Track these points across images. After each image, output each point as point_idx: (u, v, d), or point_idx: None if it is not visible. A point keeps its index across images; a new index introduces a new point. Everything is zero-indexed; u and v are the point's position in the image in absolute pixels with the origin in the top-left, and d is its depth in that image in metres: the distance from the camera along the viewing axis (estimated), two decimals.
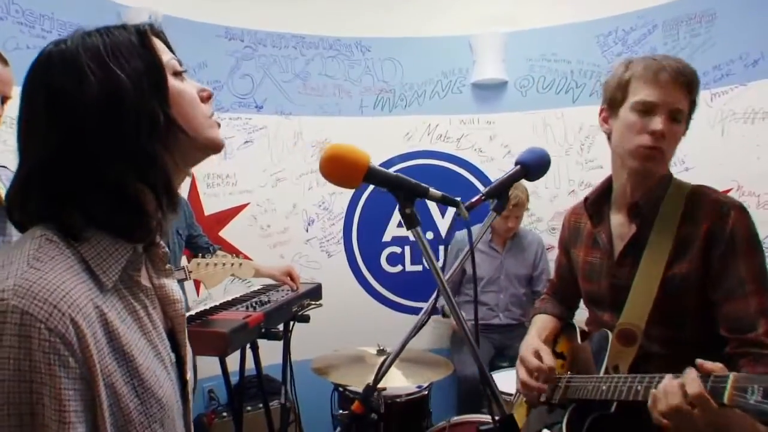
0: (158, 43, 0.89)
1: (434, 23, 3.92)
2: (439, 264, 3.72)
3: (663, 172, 1.52)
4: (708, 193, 1.47)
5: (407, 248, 4.00)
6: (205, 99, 0.92)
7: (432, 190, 1.13)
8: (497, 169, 3.95)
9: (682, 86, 1.42)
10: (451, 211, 3.90)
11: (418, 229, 1.12)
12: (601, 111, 1.58)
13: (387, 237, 3.98)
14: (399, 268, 4.00)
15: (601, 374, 1.49)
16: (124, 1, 3.24)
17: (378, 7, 3.88)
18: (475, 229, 3.18)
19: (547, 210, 3.88)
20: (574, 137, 3.79)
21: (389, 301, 3.98)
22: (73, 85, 0.79)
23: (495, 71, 3.87)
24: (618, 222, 1.60)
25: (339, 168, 1.09)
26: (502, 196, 1.41)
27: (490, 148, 3.98)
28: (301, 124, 3.83)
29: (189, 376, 0.99)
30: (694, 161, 3.36)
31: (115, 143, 0.80)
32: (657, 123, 1.41)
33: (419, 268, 4.00)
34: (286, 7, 3.77)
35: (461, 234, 3.66)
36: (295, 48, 3.83)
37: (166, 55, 0.88)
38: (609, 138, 1.57)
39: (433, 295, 1.37)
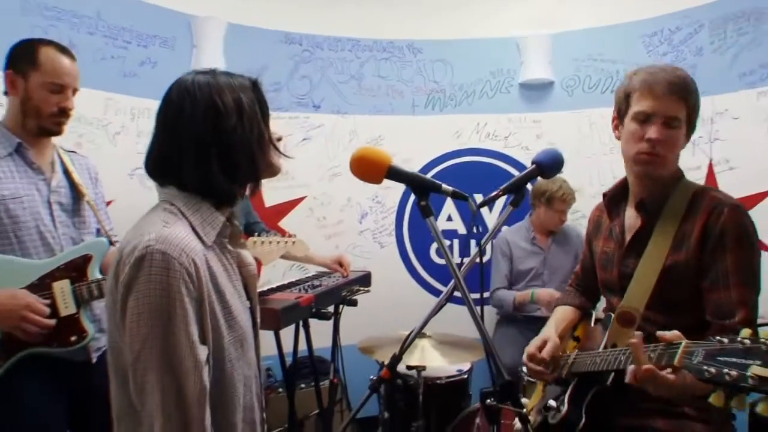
0: None
1: (483, 26, 4.08)
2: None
3: (666, 174, 1.66)
4: (709, 193, 1.61)
5: (456, 241, 4.19)
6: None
7: (444, 186, 1.33)
8: None
9: (675, 95, 1.58)
10: (497, 207, 4.08)
11: (431, 218, 1.32)
12: (613, 119, 1.76)
13: None
14: None
15: (599, 350, 1.66)
16: (193, 11, 3.55)
17: (429, 10, 4.08)
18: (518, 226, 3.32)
19: (591, 206, 3.90)
20: None
21: (437, 291, 4.18)
22: (211, 93, 1.20)
23: (542, 72, 4.00)
24: (630, 216, 1.77)
25: (364, 167, 1.31)
26: (519, 191, 1.59)
27: (536, 146, 4.10)
28: (356, 123, 4.07)
29: (257, 316, 1.39)
30: (739, 161, 3.42)
31: (237, 138, 1.21)
32: (653, 131, 1.58)
33: (467, 260, 4.16)
34: (341, 12, 4.01)
35: (505, 232, 3.83)
36: (350, 51, 4.07)
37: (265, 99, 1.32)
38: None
39: (452, 282, 1.57)
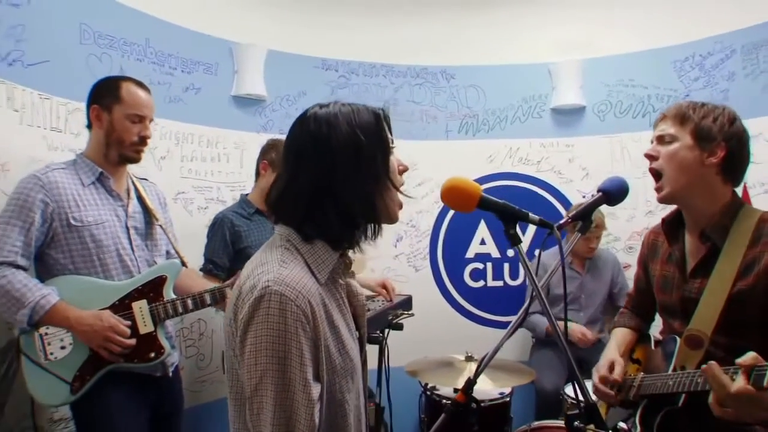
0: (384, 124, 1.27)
1: (515, 52, 4.14)
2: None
3: (673, 188, 1.75)
4: None
5: (489, 264, 4.21)
6: (401, 172, 1.30)
7: (531, 214, 1.37)
8: (575, 191, 4.13)
9: (667, 119, 1.77)
10: (530, 233, 4.12)
11: (520, 246, 1.36)
12: None
13: (470, 254, 4.21)
14: (481, 283, 4.22)
15: (669, 372, 1.69)
16: (235, 39, 3.63)
17: (462, 37, 4.16)
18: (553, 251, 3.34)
19: (624, 230, 4.02)
20: None
21: (471, 314, 4.21)
22: (329, 134, 1.18)
23: (573, 97, 4.06)
24: (691, 241, 1.81)
25: (456, 196, 1.35)
26: (586, 219, 1.65)
27: (568, 170, 4.17)
28: None
29: (365, 346, 1.40)
30: None
31: (352, 182, 1.18)
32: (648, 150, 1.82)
33: (500, 283, 4.21)
34: (376, 39, 4.09)
35: (542, 257, 3.87)
36: (384, 77, 4.15)
37: (387, 133, 1.26)
38: None
39: (526, 302, 1.61)
